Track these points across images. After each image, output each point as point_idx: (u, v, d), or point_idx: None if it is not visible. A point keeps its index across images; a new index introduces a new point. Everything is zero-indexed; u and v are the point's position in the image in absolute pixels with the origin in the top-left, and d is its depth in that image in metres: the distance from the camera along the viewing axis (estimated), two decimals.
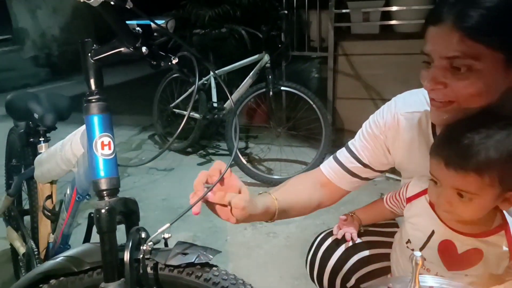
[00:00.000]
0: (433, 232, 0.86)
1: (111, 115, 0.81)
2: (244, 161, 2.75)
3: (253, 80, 2.87)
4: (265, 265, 1.87)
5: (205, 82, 3.05)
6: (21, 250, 1.36)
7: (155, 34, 0.78)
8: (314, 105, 2.63)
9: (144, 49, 0.75)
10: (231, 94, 2.91)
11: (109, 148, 0.79)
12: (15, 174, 1.46)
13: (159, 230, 0.76)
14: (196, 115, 3.05)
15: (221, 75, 3.09)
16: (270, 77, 2.69)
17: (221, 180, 0.81)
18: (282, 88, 2.73)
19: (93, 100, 0.77)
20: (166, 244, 0.83)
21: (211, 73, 2.97)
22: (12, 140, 1.44)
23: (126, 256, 0.74)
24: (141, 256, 0.75)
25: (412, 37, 2.68)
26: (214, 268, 0.78)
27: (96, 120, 0.78)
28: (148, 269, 0.77)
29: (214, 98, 3.05)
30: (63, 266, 0.76)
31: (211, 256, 0.77)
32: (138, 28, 0.76)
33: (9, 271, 1.71)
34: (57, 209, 1.17)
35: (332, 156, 1.09)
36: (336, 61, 3.05)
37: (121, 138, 3.67)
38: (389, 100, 1.01)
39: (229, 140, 2.77)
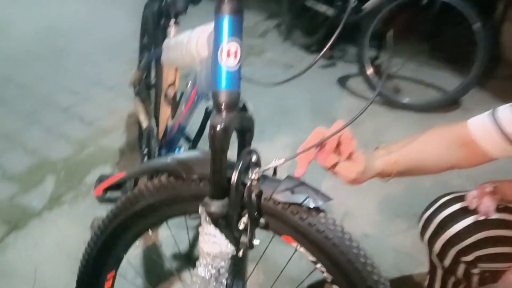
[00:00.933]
0: None
1: (242, 16, 0.71)
2: (370, 72, 2.50)
3: None
4: (366, 194, 1.78)
5: None
6: (144, 124, 1.45)
7: None
8: (473, 24, 2.16)
9: None
10: None
11: (235, 57, 0.70)
12: (146, 51, 1.49)
13: (272, 164, 0.69)
14: (329, 12, 2.76)
15: None
16: None
17: (336, 142, 0.71)
18: None
19: None
20: (275, 172, 0.77)
21: None
22: (146, 16, 1.44)
23: (234, 177, 0.69)
24: (248, 182, 0.70)
25: None
26: (322, 214, 0.71)
27: (226, 23, 0.68)
28: (253, 195, 0.72)
29: None
30: (173, 168, 0.76)
31: (320, 202, 0.70)
32: None
33: (136, 133, 1.88)
34: (178, 98, 1.18)
35: (489, 112, 0.85)
36: None
37: (246, 23, 3.55)
38: None
39: (360, 47, 2.49)
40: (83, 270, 0.88)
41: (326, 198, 0.71)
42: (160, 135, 1.30)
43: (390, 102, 2.42)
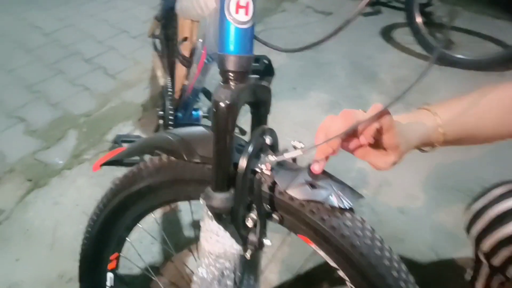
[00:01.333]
0: None
1: None
2: (419, 22, 2.20)
3: None
4: (405, 165, 1.60)
5: None
6: (161, 80, 1.32)
7: None
8: None
9: None
10: None
11: (246, 13, 0.55)
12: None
13: (289, 155, 0.55)
14: None
15: None
16: None
17: (373, 131, 0.54)
18: None
19: None
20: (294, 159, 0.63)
21: None
22: None
23: (242, 163, 0.56)
24: (259, 170, 0.57)
25: None
26: (348, 215, 0.57)
27: None
28: (264, 187, 0.59)
29: None
30: (174, 149, 0.64)
31: (349, 203, 0.56)
32: None
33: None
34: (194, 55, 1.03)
35: None
36: None
37: None
38: None
39: None
40: (85, 251, 0.81)
41: (355, 196, 0.57)
42: (176, 95, 1.18)
43: (440, 57, 2.14)
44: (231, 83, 0.56)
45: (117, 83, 2.07)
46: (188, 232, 1.32)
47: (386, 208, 1.46)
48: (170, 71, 1.24)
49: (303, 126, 1.76)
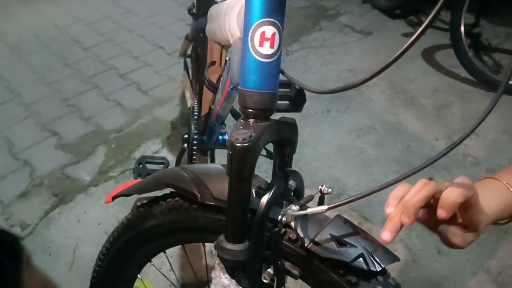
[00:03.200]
0: None
1: None
2: (466, 44, 2.07)
3: None
4: None
5: None
6: (189, 102, 1.29)
7: None
8: None
9: None
10: None
11: (271, 45, 0.49)
12: (193, 19, 1.31)
13: (311, 211, 0.48)
14: None
15: None
16: None
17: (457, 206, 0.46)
18: None
19: None
20: (321, 200, 0.56)
21: None
22: None
23: (260, 212, 0.50)
24: (279, 222, 0.51)
25: None
26: (380, 278, 0.49)
27: None
28: (284, 239, 0.53)
29: None
30: (188, 188, 0.58)
31: (382, 265, 0.48)
32: None
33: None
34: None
35: None
36: None
37: None
38: None
39: (455, 10, 2.05)
40: (94, 285, 0.77)
41: (389, 257, 0.49)
42: (203, 118, 1.13)
43: (487, 83, 2.00)
44: (251, 121, 0.51)
45: (149, 100, 2.07)
46: (201, 275, 1.25)
47: (422, 246, 1.34)
48: (198, 93, 1.20)
49: (337, 152, 1.68)
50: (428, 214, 0.50)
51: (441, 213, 0.44)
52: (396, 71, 2.18)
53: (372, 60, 2.30)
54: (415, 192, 0.46)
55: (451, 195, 0.45)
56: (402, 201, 0.46)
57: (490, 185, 0.54)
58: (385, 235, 0.45)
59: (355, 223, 0.51)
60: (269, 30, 0.48)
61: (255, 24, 0.48)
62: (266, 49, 0.49)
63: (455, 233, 0.49)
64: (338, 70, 2.22)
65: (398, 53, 0.41)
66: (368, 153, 1.67)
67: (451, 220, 0.49)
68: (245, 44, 0.50)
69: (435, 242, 1.34)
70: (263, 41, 0.49)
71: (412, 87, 2.08)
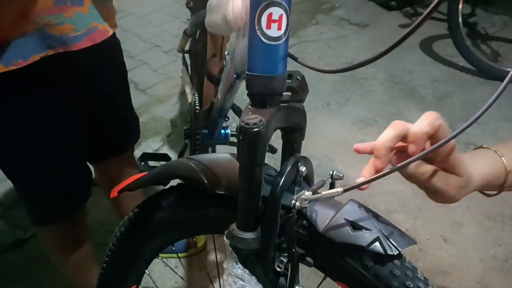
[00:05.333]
0: None
1: None
2: (463, 34, 2.06)
3: None
4: None
5: None
6: (189, 97, 1.28)
7: None
8: None
9: None
10: None
11: (279, 27, 0.48)
12: (192, 13, 1.29)
13: (326, 194, 0.47)
14: None
15: None
16: None
17: (426, 140, 0.45)
18: None
19: None
20: (332, 186, 0.55)
21: None
22: None
23: (272, 199, 0.49)
24: (292, 207, 0.50)
25: None
26: (396, 262, 0.48)
27: None
28: (297, 226, 0.52)
29: None
30: (197, 178, 0.57)
31: (398, 249, 0.47)
32: None
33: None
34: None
35: None
36: None
37: None
38: None
39: (452, 0, 2.06)
40: (102, 283, 0.75)
41: (405, 240, 0.48)
42: (204, 113, 1.12)
43: (487, 71, 1.99)
44: (260, 106, 0.50)
45: (148, 98, 2.05)
46: (211, 271, 1.24)
47: (428, 235, 1.33)
48: (199, 87, 1.19)
49: (338, 145, 1.67)
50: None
51: (411, 147, 0.43)
52: (395, 62, 2.18)
53: (370, 52, 2.30)
54: (383, 134, 0.45)
55: (417, 126, 0.44)
56: (373, 145, 0.46)
57: (480, 152, 0.54)
58: (360, 180, 0.44)
59: None
60: (277, 12, 0.47)
61: (261, 6, 0.47)
62: (274, 32, 0.48)
63: (437, 176, 0.47)
64: (336, 63, 2.21)
65: (407, 31, 0.39)
66: None
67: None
68: (251, 27, 0.48)
69: (441, 230, 1.34)
70: (271, 23, 0.48)
71: (411, 78, 2.08)
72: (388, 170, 0.44)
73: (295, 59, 0.52)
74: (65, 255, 1.01)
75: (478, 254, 1.28)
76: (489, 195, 0.56)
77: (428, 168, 0.47)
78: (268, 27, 0.48)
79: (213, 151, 1.38)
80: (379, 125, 1.77)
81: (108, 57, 0.90)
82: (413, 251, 1.30)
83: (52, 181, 0.88)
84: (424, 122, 0.44)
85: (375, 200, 1.42)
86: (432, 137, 0.45)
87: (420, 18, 0.38)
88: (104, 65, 0.89)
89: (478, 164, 0.50)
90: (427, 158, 0.47)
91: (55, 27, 0.74)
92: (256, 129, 0.46)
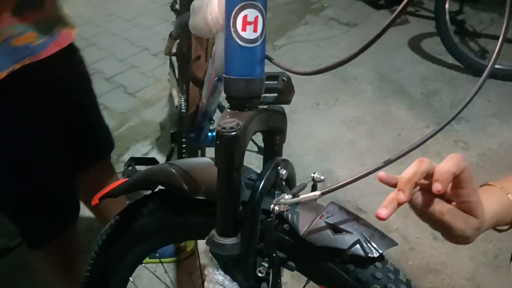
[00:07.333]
0: None
1: None
2: (451, 31, 2.07)
3: None
4: None
5: None
6: (176, 100, 1.27)
7: None
8: None
9: None
10: None
11: (255, 29, 0.47)
12: (176, 16, 1.28)
13: (304, 197, 0.47)
14: None
15: None
16: None
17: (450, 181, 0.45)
18: None
19: None
20: (314, 188, 0.54)
21: None
22: None
23: (251, 203, 0.49)
24: (272, 211, 0.49)
25: None
26: (378, 264, 0.48)
27: None
28: (278, 230, 0.51)
29: None
30: (176, 184, 0.56)
31: (379, 251, 0.46)
32: None
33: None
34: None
35: None
36: None
37: None
38: None
39: None
40: None
41: (387, 242, 0.48)
42: (190, 116, 1.11)
43: (474, 68, 2.00)
44: (238, 110, 0.49)
45: (136, 102, 2.04)
46: (196, 276, 1.23)
47: (418, 234, 1.33)
48: (185, 90, 1.18)
49: (328, 145, 1.66)
50: (427, 199, 0.48)
51: (436, 186, 0.43)
52: (384, 61, 2.18)
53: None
54: (409, 169, 0.45)
55: (444, 166, 0.44)
56: (398, 178, 0.45)
57: (486, 190, 0.54)
58: (381, 211, 0.43)
59: None
60: (252, 14, 0.46)
61: (236, 8, 0.46)
62: (250, 34, 0.47)
63: (457, 215, 0.47)
64: (325, 63, 2.17)
65: (386, 23, 0.39)
66: (360, 144, 1.66)
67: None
68: (227, 29, 0.48)
69: (431, 229, 1.34)
70: (246, 25, 0.47)
71: (400, 76, 2.08)
72: (365, 172, 0.44)
73: (270, 59, 0.51)
74: (60, 277, 0.97)
75: (468, 251, 1.28)
76: (500, 231, 0.56)
77: (447, 207, 0.47)
78: (244, 29, 0.47)
79: (203, 154, 1.37)
80: (369, 124, 1.77)
81: (73, 64, 0.87)
82: (403, 250, 1.30)
83: (32, 202, 0.82)
84: (450, 162, 0.44)
85: (366, 200, 1.42)
86: (457, 178, 0.45)
87: (390, 19, 0.37)
88: (70, 72, 0.85)
89: (487, 204, 0.50)
90: (445, 197, 0.47)
91: (17, 38, 0.69)
92: (233, 133, 0.46)
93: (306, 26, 2.59)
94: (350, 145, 1.66)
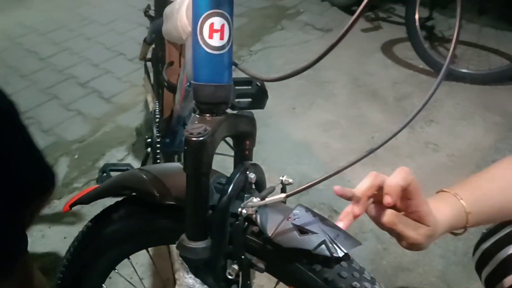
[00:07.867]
0: None
1: None
2: (421, 37, 2.13)
3: None
4: None
5: None
6: (151, 105, 1.27)
7: None
8: None
9: None
10: None
11: (221, 37, 0.48)
12: (150, 22, 1.28)
13: (270, 200, 0.48)
14: None
15: None
16: None
17: (400, 193, 0.50)
18: None
19: None
20: (283, 191, 0.56)
21: None
22: None
23: (220, 207, 0.50)
24: (239, 214, 0.50)
25: None
26: (344, 264, 0.50)
27: None
28: (246, 233, 0.52)
29: None
30: (147, 189, 0.56)
31: (344, 251, 0.48)
32: None
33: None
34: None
35: None
36: None
37: None
38: None
39: (409, 5, 2.12)
40: None
41: (351, 242, 0.50)
42: (165, 121, 1.11)
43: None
44: (206, 115, 0.50)
45: (111, 107, 2.02)
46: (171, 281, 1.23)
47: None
48: (160, 96, 1.18)
49: (303, 148, 1.69)
50: (380, 210, 0.51)
51: (386, 199, 0.47)
52: (357, 66, 2.23)
53: (332, 55, 2.34)
54: (363, 183, 0.49)
55: (393, 180, 0.48)
56: (353, 191, 0.49)
57: (441, 196, 0.58)
58: (337, 224, 0.47)
59: (326, 216, 0.51)
60: (218, 22, 0.47)
61: (203, 16, 0.47)
62: (216, 41, 0.48)
63: (408, 224, 0.50)
64: (298, 66, 2.23)
65: (344, 30, 0.41)
66: (334, 147, 1.70)
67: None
68: (194, 37, 0.49)
69: None
70: (213, 33, 0.48)
71: (373, 80, 2.13)
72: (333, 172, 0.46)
73: (235, 65, 0.52)
74: None
75: (439, 250, 1.32)
76: (456, 234, 0.60)
77: (399, 218, 0.51)
78: (210, 36, 0.48)
79: (179, 159, 1.37)
80: (343, 127, 1.80)
81: None
82: (378, 250, 1.33)
83: None
84: (398, 176, 0.48)
85: (341, 202, 1.44)
86: (405, 190, 0.49)
87: (350, 20, 0.39)
88: None
89: (441, 211, 0.54)
90: (396, 208, 0.51)
91: None
92: (200, 138, 0.47)
93: (282, 31, 2.62)
94: (324, 148, 1.69)
